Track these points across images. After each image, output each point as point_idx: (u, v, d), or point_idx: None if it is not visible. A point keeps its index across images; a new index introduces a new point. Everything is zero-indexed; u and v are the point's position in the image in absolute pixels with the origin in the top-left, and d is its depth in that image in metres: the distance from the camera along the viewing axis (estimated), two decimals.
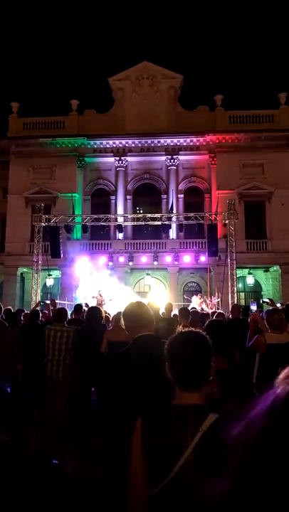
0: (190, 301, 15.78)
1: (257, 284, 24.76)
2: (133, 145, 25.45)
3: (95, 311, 6.41)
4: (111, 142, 25.43)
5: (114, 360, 2.44)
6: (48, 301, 10.91)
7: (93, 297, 14.68)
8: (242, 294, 24.17)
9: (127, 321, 2.47)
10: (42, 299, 17.25)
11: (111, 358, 2.32)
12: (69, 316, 7.41)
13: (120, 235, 22.93)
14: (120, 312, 6.03)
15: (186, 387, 1.55)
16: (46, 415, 5.29)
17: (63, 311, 6.29)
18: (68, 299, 18.36)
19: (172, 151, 25.25)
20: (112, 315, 7.21)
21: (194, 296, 16.52)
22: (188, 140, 25.07)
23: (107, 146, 25.57)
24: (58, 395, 5.39)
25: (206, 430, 1.42)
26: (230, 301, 17.36)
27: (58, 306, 8.31)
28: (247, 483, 0.72)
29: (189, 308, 10.17)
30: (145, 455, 1.46)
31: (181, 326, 1.71)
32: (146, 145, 25.43)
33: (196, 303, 14.92)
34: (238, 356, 6.09)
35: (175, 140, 25.10)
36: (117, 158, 25.53)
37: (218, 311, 10.62)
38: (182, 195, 25.50)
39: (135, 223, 20.03)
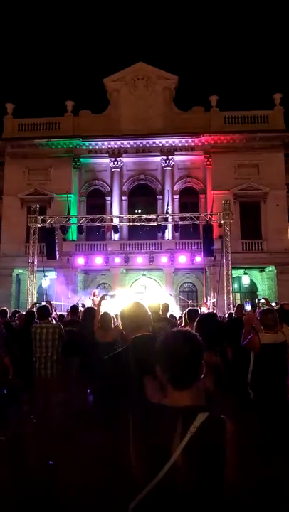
0: (187, 302, 15.79)
1: (252, 284, 24.83)
2: (128, 146, 25.44)
3: (91, 312, 6.42)
4: (106, 143, 25.41)
5: (111, 360, 2.44)
6: (43, 303, 10.91)
7: (89, 298, 14.71)
8: (237, 295, 24.17)
9: (124, 321, 2.48)
10: (37, 301, 17.20)
11: (108, 358, 2.33)
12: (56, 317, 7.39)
13: (116, 236, 22.92)
14: (106, 312, 6.00)
15: (178, 386, 1.56)
16: (41, 415, 5.27)
17: (45, 307, 6.25)
18: (64, 300, 18.32)
19: (167, 151, 25.26)
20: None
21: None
22: (183, 141, 25.10)
23: (103, 147, 25.55)
24: (50, 393, 5.32)
25: (194, 432, 1.44)
26: (225, 302, 17.42)
27: (54, 308, 8.30)
28: None
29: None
30: (137, 455, 1.49)
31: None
32: (141, 146, 25.42)
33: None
34: (231, 354, 6.12)
35: (170, 141, 25.11)
36: (113, 159, 25.52)
37: (210, 311, 10.66)
38: (177, 196, 25.52)
39: (131, 224, 20.02)
